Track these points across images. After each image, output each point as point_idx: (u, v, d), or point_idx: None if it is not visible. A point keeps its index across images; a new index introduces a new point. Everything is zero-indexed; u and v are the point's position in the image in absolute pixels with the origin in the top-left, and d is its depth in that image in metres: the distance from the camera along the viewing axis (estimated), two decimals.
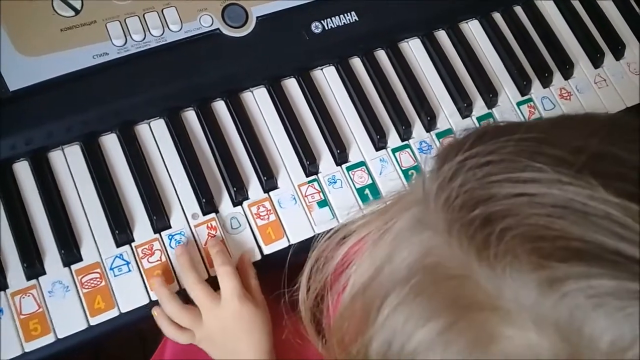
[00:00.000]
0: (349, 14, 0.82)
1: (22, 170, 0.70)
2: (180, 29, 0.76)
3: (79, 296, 0.66)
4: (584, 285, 0.30)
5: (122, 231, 0.68)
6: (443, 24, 0.88)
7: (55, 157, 0.72)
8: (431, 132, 0.81)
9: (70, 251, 0.67)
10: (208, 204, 0.71)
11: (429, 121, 0.80)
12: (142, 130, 0.75)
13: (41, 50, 0.71)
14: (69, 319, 0.65)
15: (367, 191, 0.76)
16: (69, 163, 0.71)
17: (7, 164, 0.70)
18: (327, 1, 0.82)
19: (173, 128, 0.75)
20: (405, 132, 0.79)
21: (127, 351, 1.12)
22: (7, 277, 0.65)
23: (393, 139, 0.79)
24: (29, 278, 0.66)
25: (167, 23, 0.76)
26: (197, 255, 0.69)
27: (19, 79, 0.70)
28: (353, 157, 0.78)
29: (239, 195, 0.73)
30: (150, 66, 0.75)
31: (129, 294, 0.67)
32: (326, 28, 0.81)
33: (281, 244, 0.72)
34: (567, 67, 0.87)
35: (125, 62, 0.74)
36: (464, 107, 0.82)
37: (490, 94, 0.83)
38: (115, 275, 0.67)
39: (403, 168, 0.78)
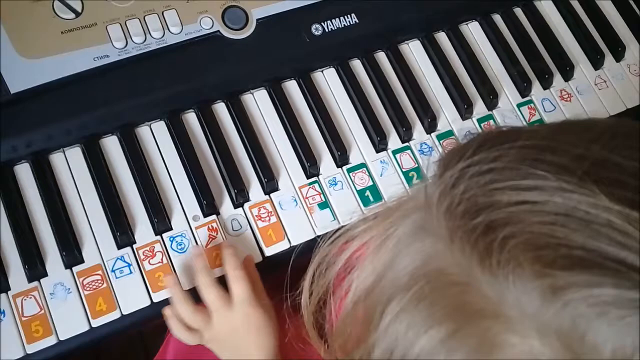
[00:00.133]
0: (349, 16, 0.82)
1: (23, 173, 0.70)
2: (181, 31, 0.76)
3: (81, 298, 0.66)
4: (586, 294, 0.30)
5: (123, 233, 0.68)
6: (443, 25, 0.88)
7: (57, 159, 0.72)
8: (432, 134, 0.81)
9: (71, 253, 0.67)
10: (209, 206, 0.71)
11: (430, 123, 0.80)
12: (143, 132, 0.75)
13: (42, 53, 0.71)
14: (71, 321, 0.65)
15: (367, 193, 0.76)
16: (70, 165, 0.72)
17: (8, 166, 0.70)
18: (327, 3, 0.82)
19: (174, 130, 0.75)
20: (405, 133, 0.79)
21: (129, 353, 1.13)
22: (8, 279, 0.65)
23: (393, 141, 0.80)
24: (30, 280, 0.66)
25: (167, 25, 0.76)
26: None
27: (19, 82, 0.70)
28: (354, 159, 0.78)
29: (240, 197, 0.73)
30: (150, 68, 0.75)
31: (131, 296, 0.67)
32: (326, 30, 0.81)
33: (282, 246, 0.72)
34: (567, 69, 0.87)
35: (126, 64, 0.74)
36: (464, 108, 0.82)
37: (490, 96, 0.83)
38: (116, 277, 0.67)
39: (404, 170, 0.78)
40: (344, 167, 0.77)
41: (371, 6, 0.83)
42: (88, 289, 0.66)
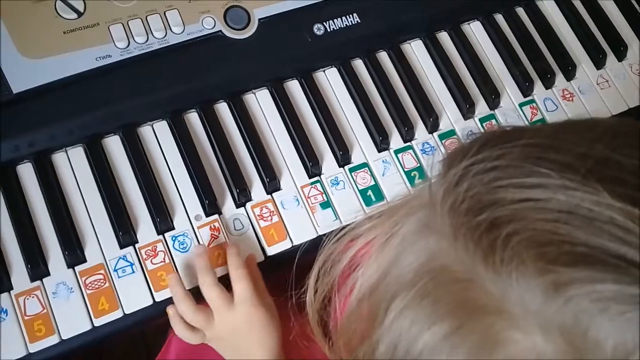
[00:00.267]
0: (351, 15, 0.82)
1: (26, 172, 0.70)
2: (183, 31, 0.76)
3: (83, 297, 0.66)
4: (589, 290, 0.30)
5: (125, 232, 0.69)
6: (445, 25, 0.88)
7: (59, 159, 0.72)
8: (434, 134, 0.81)
9: (74, 252, 0.67)
10: (211, 206, 0.72)
11: (432, 122, 0.80)
12: (145, 132, 0.75)
13: (44, 53, 0.72)
14: (73, 320, 0.65)
15: (369, 192, 0.76)
16: (73, 165, 0.72)
17: (10, 166, 0.70)
18: (329, 3, 0.82)
19: (176, 130, 0.75)
20: (407, 133, 0.79)
21: (131, 352, 1.13)
22: (11, 278, 0.66)
23: (395, 141, 0.80)
24: (33, 279, 0.66)
25: (169, 25, 0.76)
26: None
27: (22, 82, 0.70)
28: (355, 159, 0.78)
29: (242, 197, 0.73)
30: (153, 68, 0.75)
31: (133, 295, 0.67)
32: (328, 30, 0.81)
33: (284, 245, 0.72)
34: (569, 68, 0.87)
35: (128, 64, 0.74)
36: (466, 108, 0.82)
37: (492, 95, 0.83)
38: (119, 277, 0.67)
39: (405, 169, 0.78)
40: (346, 167, 0.77)
41: (373, 6, 0.83)
42: (90, 288, 0.66)
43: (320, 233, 0.73)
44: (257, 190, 0.74)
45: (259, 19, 0.79)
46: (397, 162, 0.78)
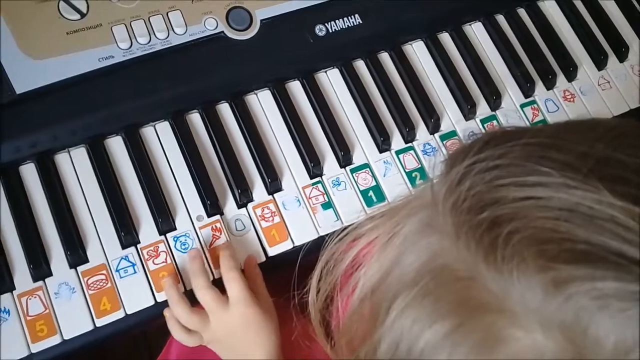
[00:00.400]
0: (352, 16, 0.82)
1: (29, 173, 0.71)
2: (185, 32, 0.77)
3: (85, 297, 0.66)
4: (589, 287, 0.30)
5: (127, 233, 0.69)
6: (446, 26, 0.88)
7: (61, 159, 0.72)
8: (435, 135, 0.81)
9: (76, 253, 0.67)
10: (213, 206, 0.72)
11: (433, 123, 0.80)
12: (148, 132, 0.75)
13: (47, 54, 0.72)
14: (75, 320, 0.65)
15: (371, 193, 0.76)
16: (75, 165, 0.72)
17: (13, 167, 0.70)
18: (331, 4, 0.82)
19: (178, 130, 0.75)
20: (409, 134, 0.79)
21: (133, 352, 1.13)
22: (13, 278, 0.66)
23: (397, 141, 0.80)
24: (35, 279, 0.66)
25: (172, 26, 0.76)
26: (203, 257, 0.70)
27: (25, 82, 0.70)
28: (357, 159, 0.78)
29: (244, 197, 0.73)
30: (155, 69, 0.75)
31: (135, 296, 0.67)
32: (330, 31, 0.81)
33: (285, 246, 0.72)
34: (570, 70, 0.87)
35: (131, 65, 0.74)
36: (467, 109, 0.82)
37: (493, 96, 0.83)
38: (121, 277, 0.68)
39: (407, 170, 0.78)
40: (348, 168, 0.77)
41: (374, 7, 0.83)
42: (92, 288, 0.67)
43: (322, 234, 0.73)
44: (259, 190, 0.74)
45: (261, 20, 0.79)
46: (399, 163, 0.78)
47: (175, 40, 0.76)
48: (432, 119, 0.80)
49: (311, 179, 0.76)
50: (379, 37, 0.84)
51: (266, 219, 0.73)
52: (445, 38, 0.88)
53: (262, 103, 0.79)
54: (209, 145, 0.76)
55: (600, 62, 0.89)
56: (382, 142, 0.78)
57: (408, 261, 0.39)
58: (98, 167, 0.72)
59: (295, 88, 0.81)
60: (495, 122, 0.83)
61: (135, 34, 0.75)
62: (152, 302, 0.67)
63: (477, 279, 0.34)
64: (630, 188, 0.33)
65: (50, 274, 0.67)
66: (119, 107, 0.73)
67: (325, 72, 0.82)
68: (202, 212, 0.72)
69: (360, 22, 0.82)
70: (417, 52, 0.86)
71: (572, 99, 0.87)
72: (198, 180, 0.73)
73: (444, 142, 0.81)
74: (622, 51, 0.90)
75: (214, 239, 0.71)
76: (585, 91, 0.87)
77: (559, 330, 0.31)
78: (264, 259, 0.72)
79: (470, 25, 0.89)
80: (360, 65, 0.84)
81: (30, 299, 0.65)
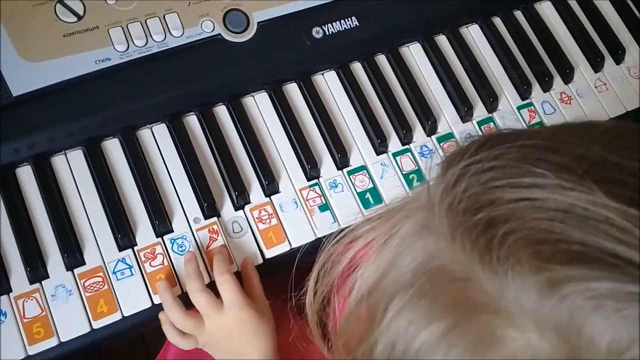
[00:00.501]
0: (349, 19, 0.82)
1: (25, 175, 0.71)
2: (182, 35, 0.77)
3: (82, 300, 0.66)
4: (583, 288, 0.30)
5: (124, 235, 0.69)
6: (443, 28, 0.88)
7: (58, 161, 0.72)
8: (432, 137, 0.81)
9: (73, 255, 0.67)
10: (210, 208, 0.72)
11: (430, 125, 0.81)
12: (145, 135, 0.75)
13: (44, 56, 0.72)
14: (72, 323, 0.65)
15: (368, 195, 0.76)
16: (72, 168, 0.72)
17: (10, 169, 0.70)
18: (327, 6, 0.82)
19: (175, 133, 0.75)
20: (406, 136, 0.80)
21: (130, 354, 1.13)
22: (10, 280, 0.66)
23: (394, 143, 0.80)
24: (32, 282, 0.66)
25: (169, 28, 0.76)
26: (200, 260, 0.69)
27: (21, 85, 0.70)
28: (354, 161, 0.78)
29: (241, 200, 0.73)
30: (152, 71, 0.75)
31: (132, 298, 0.67)
32: (327, 33, 0.81)
33: (282, 248, 0.72)
34: (567, 72, 0.87)
35: (128, 67, 0.74)
36: (464, 111, 0.82)
37: (490, 98, 0.84)
38: (117, 279, 0.68)
39: (404, 172, 0.78)
40: (345, 170, 0.77)
41: (372, 9, 0.83)
42: (89, 290, 0.67)
43: (319, 235, 0.73)
44: (256, 193, 0.74)
45: (258, 23, 0.79)
46: (396, 165, 0.78)
47: (172, 42, 0.76)
48: (429, 121, 0.80)
49: (308, 181, 0.76)
50: (376, 39, 0.84)
51: (263, 221, 0.73)
52: (442, 40, 0.88)
53: (259, 105, 0.79)
54: (206, 147, 0.76)
55: (596, 64, 0.89)
56: (379, 144, 0.78)
57: (404, 262, 0.39)
58: (95, 169, 0.72)
59: (293, 90, 0.81)
60: (492, 124, 0.84)
61: (132, 37, 0.75)
62: (149, 305, 0.67)
63: (473, 279, 0.34)
64: (626, 190, 0.33)
65: (47, 276, 0.67)
66: (116, 110, 0.73)
67: (323, 74, 0.82)
68: (199, 214, 0.72)
69: (357, 24, 0.82)
70: (414, 54, 0.86)
71: (568, 101, 0.87)
72: (195, 183, 0.73)
73: (441, 144, 0.81)
74: (618, 53, 0.90)
75: (211, 241, 0.71)
76: (582, 93, 0.88)
77: (553, 330, 0.31)
78: (261, 261, 0.72)
79: (467, 27, 0.89)
80: (357, 68, 0.84)
81: (27, 301, 0.65)
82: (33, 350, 0.64)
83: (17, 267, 0.66)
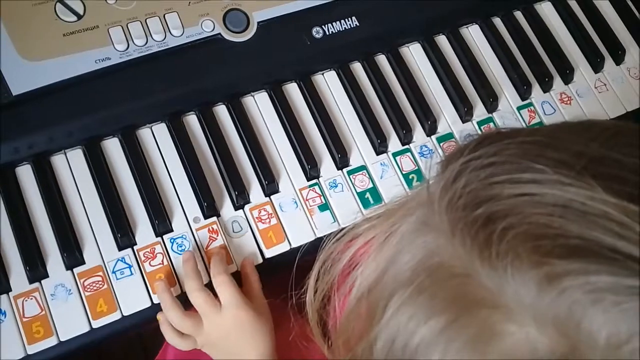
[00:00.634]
0: (349, 19, 0.82)
1: (25, 174, 0.71)
2: (182, 34, 0.77)
3: (82, 299, 0.66)
4: (582, 281, 0.30)
5: (124, 235, 0.69)
6: (443, 28, 0.88)
7: (58, 161, 0.72)
8: (432, 137, 0.81)
9: (72, 254, 0.67)
10: (209, 208, 0.72)
11: (430, 125, 0.81)
12: (144, 134, 0.75)
13: (44, 55, 0.72)
14: (72, 322, 0.65)
15: (367, 195, 0.76)
16: (72, 167, 0.72)
17: (10, 168, 0.70)
18: (327, 6, 0.82)
19: (175, 132, 0.75)
20: (405, 136, 0.80)
21: (129, 354, 1.13)
22: (9, 280, 0.66)
23: (394, 143, 0.80)
24: (31, 281, 0.66)
25: (169, 28, 0.76)
26: (199, 260, 0.69)
27: (21, 84, 0.70)
28: (354, 161, 0.78)
29: (241, 199, 0.73)
30: (152, 71, 0.75)
31: (131, 297, 0.67)
32: (327, 33, 0.81)
33: (282, 248, 0.72)
34: (567, 72, 0.87)
35: (127, 66, 0.74)
36: (464, 111, 0.82)
37: (490, 99, 0.84)
38: (117, 279, 0.67)
39: (404, 172, 0.78)
40: (344, 170, 0.77)
41: (372, 9, 0.83)
42: (89, 290, 0.66)
43: (319, 235, 0.73)
44: (256, 192, 0.74)
45: (258, 22, 0.79)
46: (395, 165, 0.78)
47: (172, 42, 0.76)
48: (429, 121, 0.80)
49: (308, 180, 0.76)
50: (376, 39, 0.84)
51: (263, 221, 0.73)
52: (442, 40, 0.88)
53: (259, 105, 0.79)
54: (205, 147, 0.76)
55: (596, 64, 0.89)
56: (379, 144, 0.78)
57: (404, 260, 0.39)
58: (94, 169, 0.71)
59: (292, 90, 0.81)
60: (492, 124, 0.84)
61: (132, 36, 0.75)
62: (148, 304, 0.67)
63: (473, 275, 0.34)
64: (627, 187, 0.33)
65: (46, 276, 0.66)
66: (116, 109, 0.73)
67: (322, 74, 0.82)
68: (199, 214, 0.72)
69: (358, 24, 0.82)
70: (414, 54, 0.86)
71: (568, 102, 0.87)
72: (195, 182, 0.73)
73: (441, 144, 0.81)
74: (618, 54, 0.90)
75: (211, 241, 0.71)
76: (582, 93, 0.88)
77: (552, 324, 0.31)
78: (261, 260, 0.72)
79: (467, 27, 0.90)
80: (357, 68, 0.84)
81: (26, 300, 0.65)
82: (32, 349, 0.64)
83: (16, 266, 0.66)
